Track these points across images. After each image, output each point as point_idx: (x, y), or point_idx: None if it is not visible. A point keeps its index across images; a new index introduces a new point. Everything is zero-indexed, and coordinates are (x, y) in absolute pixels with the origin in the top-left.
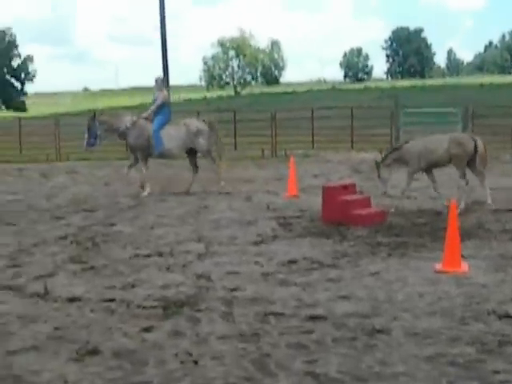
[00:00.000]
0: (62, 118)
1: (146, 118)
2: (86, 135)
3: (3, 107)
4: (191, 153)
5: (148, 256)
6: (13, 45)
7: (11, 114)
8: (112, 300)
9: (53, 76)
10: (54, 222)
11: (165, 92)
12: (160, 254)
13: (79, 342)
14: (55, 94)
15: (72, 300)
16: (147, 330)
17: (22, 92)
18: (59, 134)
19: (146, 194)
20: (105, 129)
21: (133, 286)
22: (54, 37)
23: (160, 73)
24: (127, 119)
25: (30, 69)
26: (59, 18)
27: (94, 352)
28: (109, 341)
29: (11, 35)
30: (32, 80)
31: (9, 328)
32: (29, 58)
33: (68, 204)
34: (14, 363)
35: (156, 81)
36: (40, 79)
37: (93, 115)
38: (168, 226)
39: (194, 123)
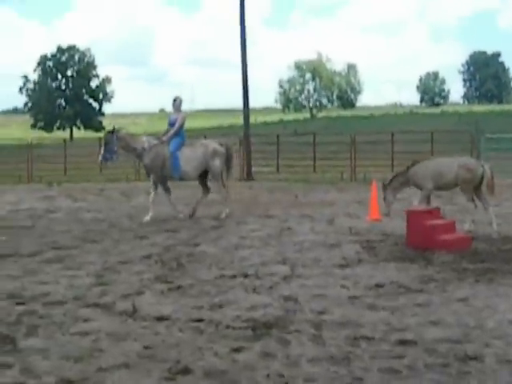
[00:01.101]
0: None
1: (163, 142)
2: (103, 149)
3: (81, 127)
4: (203, 174)
5: (233, 277)
6: (91, 66)
7: (89, 134)
8: (200, 320)
9: (130, 97)
10: (137, 241)
11: (183, 114)
12: (245, 276)
13: (170, 361)
14: (132, 114)
15: (160, 319)
16: (237, 350)
17: (100, 112)
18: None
19: (148, 218)
20: (122, 146)
21: (220, 307)
22: (131, 58)
23: (237, 94)
24: (144, 140)
25: (108, 89)
26: (138, 40)
27: (186, 371)
28: (200, 360)
29: (90, 56)
30: (110, 101)
31: (99, 345)
32: (107, 79)
33: (151, 223)
34: (106, 380)
35: (174, 100)
36: (117, 100)
37: (111, 130)
38: (252, 248)
39: (212, 144)
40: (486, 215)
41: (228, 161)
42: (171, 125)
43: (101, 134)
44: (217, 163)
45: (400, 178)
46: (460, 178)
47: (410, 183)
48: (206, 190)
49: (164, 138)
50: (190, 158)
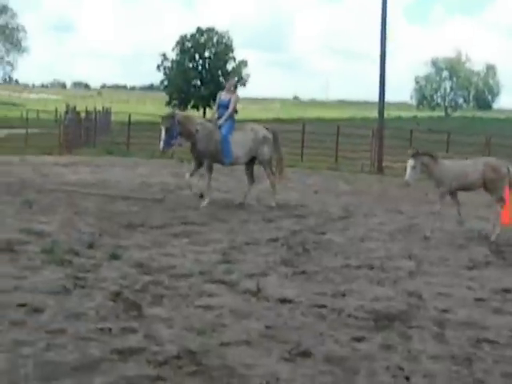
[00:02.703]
0: (273, 123)
1: (219, 126)
2: (164, 135)
3: (214, 108)
4: (250, 161)
5: (358, 267)
6: (229, 48)
7: None
8: (323, 306)
9: (264, 82)
10: (265, 223)
11: (236, 95)
12: (371, 267)
13: (291, 343)
14: (265, 99)
15: (283, 301)
16: (358, 339)
17: None
18: None
19: (205, 203)
20: (180, 130)
21: (344, 295)
22: (269, 43)
23: (372, 87)
24: (198, 123)
25: (244, 73)
26: (276, 25)
27: (306, 354)
28: (320, 345)
29: (228, 39)
30: (244, 84)
31: (222, 320)
32: (243, 63)
33: (278, 208)
34: (227, 355)
35: (227, 80)
36: (251, 84)
37: (172, 114)
38: (378, 241)
39: (262, 130)
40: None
41: (277, 148)
42: (222, 106)
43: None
44: (266, 150)
45: (426, 159)
46: (486, 177)
47: (431, 174)
48: (252, 179)
49: (220, 122)
50: (241, 142)
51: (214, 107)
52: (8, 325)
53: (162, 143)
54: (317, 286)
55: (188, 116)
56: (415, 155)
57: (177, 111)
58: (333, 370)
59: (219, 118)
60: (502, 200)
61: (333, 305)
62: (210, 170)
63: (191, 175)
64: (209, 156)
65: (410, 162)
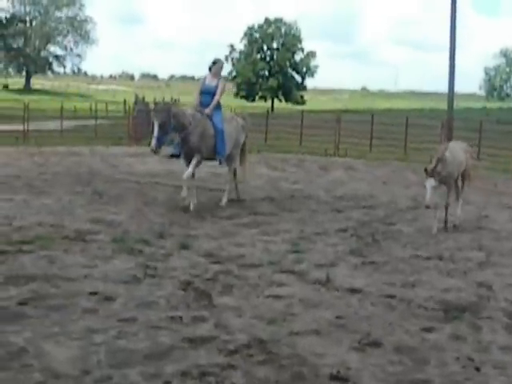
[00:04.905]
0: (342, 114)
1: (207, 115)
2: (157, 131)
3: (282, 99)
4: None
5: (428, 258)
6: (297, 39)
7: (289, 106)
8: (392, 296)
9: (332, 73)
10: (334, 214)
11: (223, 80)
12: (440, 258)
13: (360, 333)
14: (333, 90)
15: (353, 291)
16: (428, 330)
17: (302, 86)
18: (339, 129)
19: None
20: (174, 125)
21: (413, 286)
22: (337, 34)
23: (441, 78)
24: (189, 114)
25: (312, 64)
26: (343, 16)
27: (376, 344)
28: (390, 335)
29: (296, 29)
30: (313, 75)
31: (292, 310)
32: (311, 54)
33: (347, 198)
34: (297, 344)
35: (214, 63)
36: (319, 75)
37: (167, 106)
38: (447, 232)
39: (239, 119)
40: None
41: (246, 136)
42: (206, 93)
43: (301, 107)
44: (243, 139)
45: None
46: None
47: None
48: (235, 175)
49: (207, 111)
50: (229, 134)
51: (195, 93)
52: (80, 313)
53: (154, 141)
54: (386, 276)
55: (181, 108)
56: (433, 173)
57: (169, 102)
58: (402, 359)
59: (205, 106)
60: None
61: (402, 295)
62: (198, 166)
63: (193, 176)
64: (203, 151)
65: (430, 182)
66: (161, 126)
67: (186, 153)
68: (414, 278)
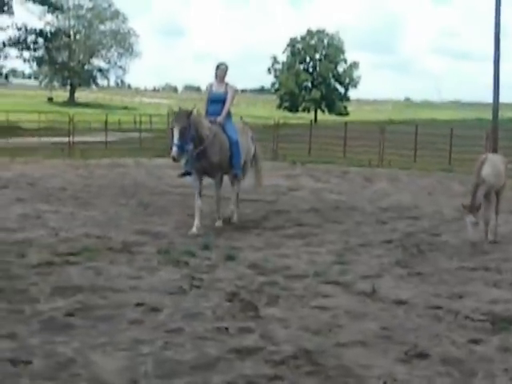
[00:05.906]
0: (386, 125)
1: (220, 125)
2: (177, 138)
3: (325, 111)
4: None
5: (474, 269)
6: (340, 50)
7: (332, 118)
8: (439, 308)
9: (375, 84)
10: (378, 225)
11: (233, 87)
12: (486, 269)
13: (407, 344)
14: (376, 101)
15: (399, 303)
16: (475, 341)
17: (345, 97)
18: (383, 140)
19: (220, 223)
20: (192, 134)
21: (460, 297)
22: (379, 44)
23: (485, 88)
24: (207, 126)
25: (355, 75)
26: (386, 27)
27: (423, 356)
28: (437, 347)
29: (339, 40)
30: (356, 86)
31: (338, 321)
32: (354, 65)
33: (392, 209)
34: (343, 355)
35: (218, 67)
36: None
37: (188, 112)
38: (493, 243)
39: (247, 128)
40: None
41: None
42: (214, 101)
43: (344, 118)
44: (252, 151)
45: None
46: None
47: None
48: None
49: (219, 120)
50: (242, 145)
51: (204, 103)
52: (127, 323)
53: (175, 149)
54: (432, 287)
55: (200, 116)
56: (471, 210)
57: (191, 109)
58: (450, 371)
59: (214, 115)
60: None
61: (449, 306)
62: (221, 183)
63: (200, 195)
64: (223, 167)
65: (470, 219)
66: (181, 133)
67: (204, 169)
68: (461, 290)
